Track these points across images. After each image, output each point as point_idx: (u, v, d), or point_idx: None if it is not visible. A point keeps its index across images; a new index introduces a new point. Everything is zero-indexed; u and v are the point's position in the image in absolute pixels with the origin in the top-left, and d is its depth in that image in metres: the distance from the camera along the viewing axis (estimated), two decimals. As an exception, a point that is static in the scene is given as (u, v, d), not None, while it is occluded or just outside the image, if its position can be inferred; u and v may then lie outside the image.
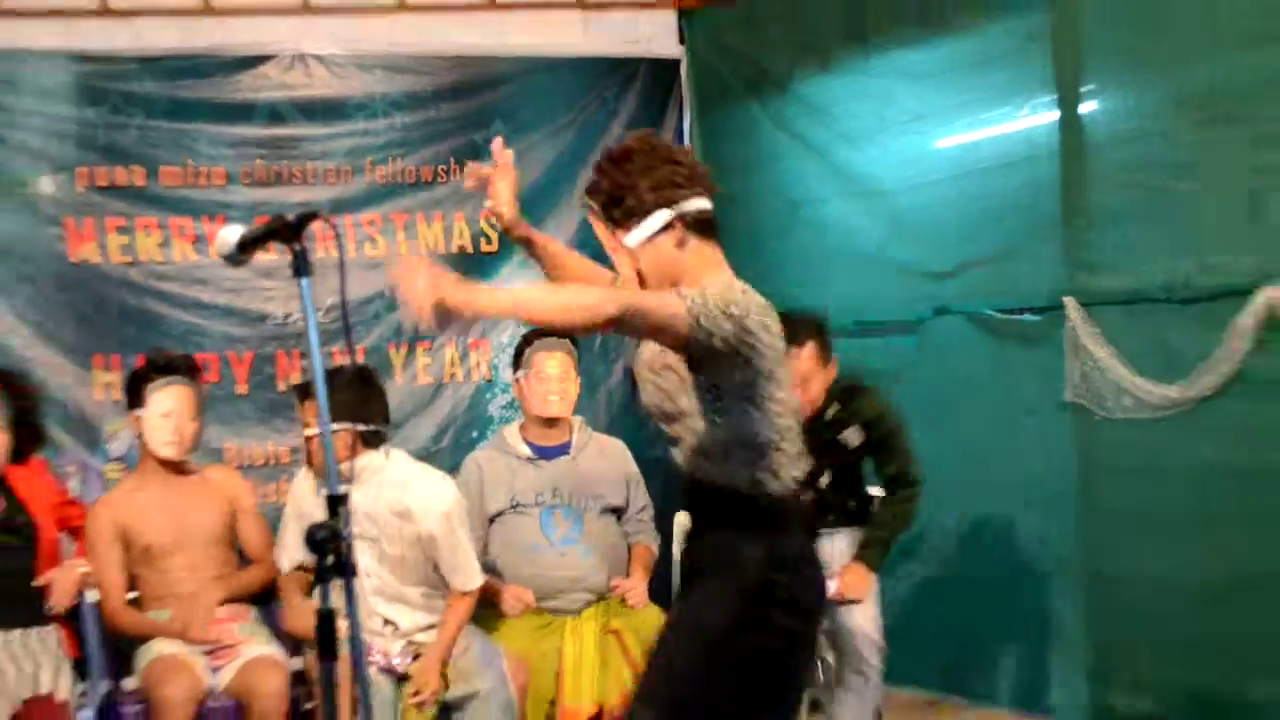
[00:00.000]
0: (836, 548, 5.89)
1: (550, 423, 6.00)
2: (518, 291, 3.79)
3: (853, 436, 5.99)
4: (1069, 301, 6.39)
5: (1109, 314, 6.36)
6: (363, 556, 5.17)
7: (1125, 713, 6.32)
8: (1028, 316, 6.73)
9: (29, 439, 5.43)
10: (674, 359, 3.76)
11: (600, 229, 3.87)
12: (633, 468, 6.21)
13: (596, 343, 7.98)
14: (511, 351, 6.90)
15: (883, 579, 6.03)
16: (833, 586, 5.66)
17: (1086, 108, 6.46)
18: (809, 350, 5.82)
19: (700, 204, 3.85)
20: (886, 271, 7.56)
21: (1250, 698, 5.92)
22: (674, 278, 3.80)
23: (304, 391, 5.33)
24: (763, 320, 3.72)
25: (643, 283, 3.83)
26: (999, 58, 6.91)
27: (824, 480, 6.00)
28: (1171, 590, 6.09)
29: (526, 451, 5.96)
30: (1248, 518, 5.88)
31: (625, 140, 3.94)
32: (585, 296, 3.60)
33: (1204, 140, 5.94)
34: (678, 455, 3.88)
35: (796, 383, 5.59)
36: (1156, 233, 6.10)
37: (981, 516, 7.03)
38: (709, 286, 3.64)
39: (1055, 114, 6.54)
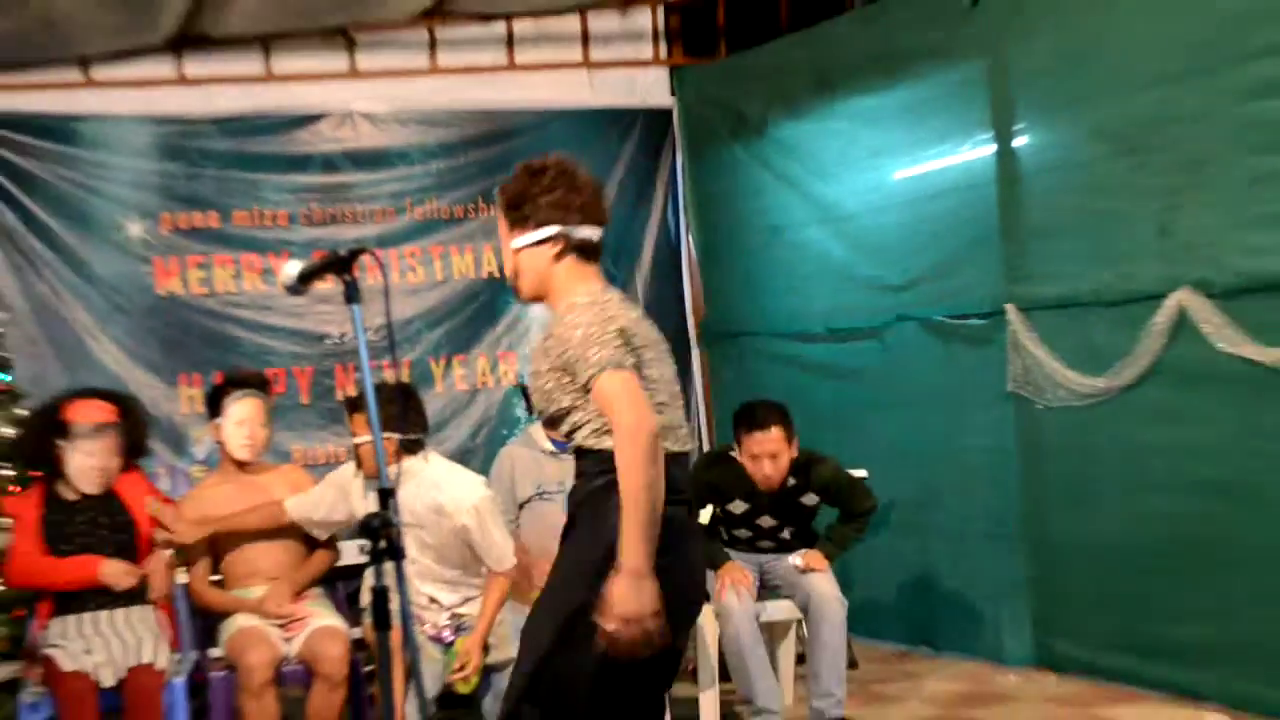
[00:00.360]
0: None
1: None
2: (633, 519, 3.47)
3: (809, 500, 6.08)
4: (1009, 308, 6.45)
5: (1043, 317, 6.41)
6: (408, 546, 5.17)
7: (1067, 657, 6.37)
8: (974, 321, 6.78)
9: (136, 456, 5.48)
10: (551, 366, 3.60)
11: (501, 224, 3.84)
12: None
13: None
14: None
15: (856, 548, 6.07)
16: (798, 560, 5.90)
17: (1019, 142, 6.52)
18: (776, 433, 5.80)
19: (587, 232, 3.79)
20: (853, 285, 7.59)
21: (1172, 640, 5.97)
22: (544, 283, 3.76)
23: (353, 405, 5.34)
24: (633, 323, 3.69)
25: (516, 279, 3.78)
26: (944, 101, 6.97)
27: (787, 534, 6.10)
28: (1103, 550, 6.14)
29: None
30: (1167, 488, 5.93)
31: (547, 158, 3.83)
32: (636, 454, 3.37)
33: (1119, 168, 5.99)
34: (570, 447, 3.73)
35: (768, 457, 5.77)
36: (1082, 247, 6.14)
37: (938, 491, 7.06)
38: (582, 312, 3.57)
39: (993, 148, 6.59)
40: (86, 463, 5.21)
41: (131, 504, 5.31)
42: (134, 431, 5.41)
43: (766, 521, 6.05)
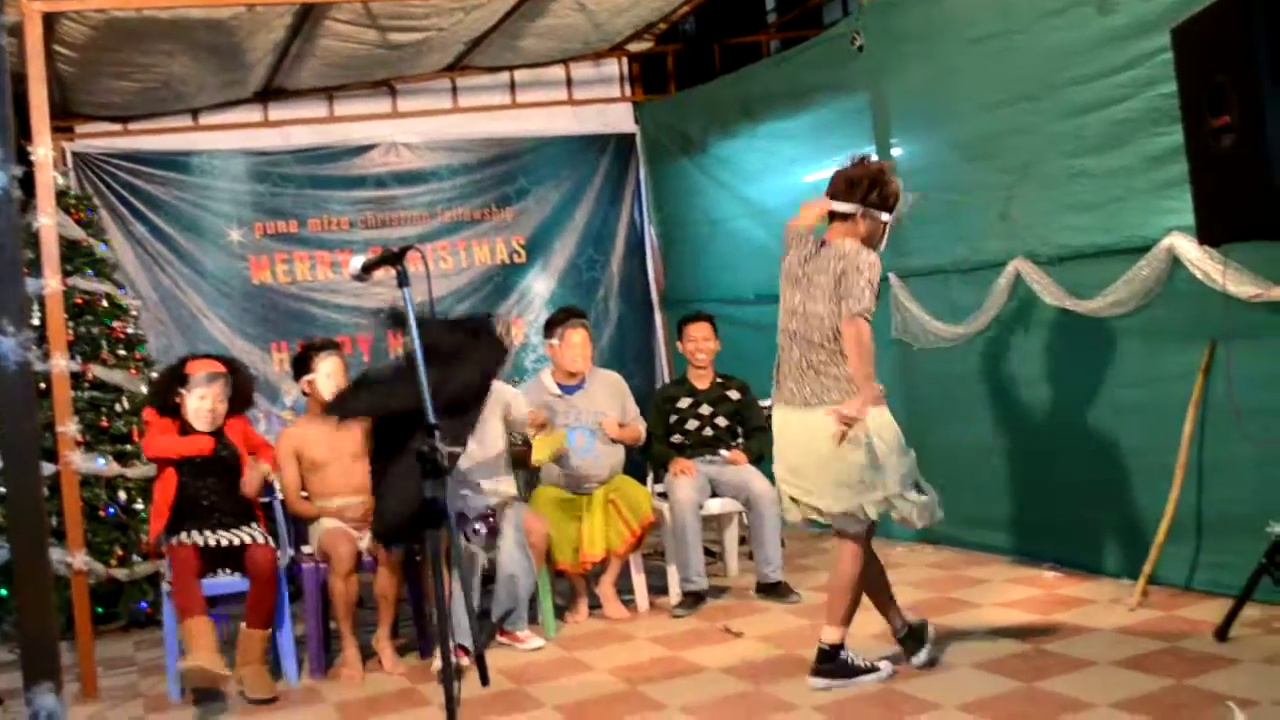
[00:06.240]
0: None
1: (573, 374, 5.96)
2: (859, 372, 4.26)
3: (733, 394, 6.31)
4: (891, 275, 6.46)
5: (916, 282, 6.45)
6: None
7: (941, 533, 6.43)
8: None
9: (241, 406, 5.43)
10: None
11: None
12: (625, 389, 6.10)
13: (596, 316, 8.04)
14: (540, 324, 7.00)
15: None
16: (725, 454, 6.18)
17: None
18: (704, 325, 6.34)
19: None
20: (774, 262, 7.53)
21: (1016, 517, 6.06)
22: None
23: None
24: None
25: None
26: (839, 123, 6.98)
27: (721, 420, 6.20)
28: (965, 452, 6.18)
29: (556, 390, 5.92)
30: (1009, 405, 5.99)
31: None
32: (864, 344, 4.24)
33: (969, 170, 6.02)
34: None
35: (701, 339, 6.30)
36: (943, 229, 6.15)
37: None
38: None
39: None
40: (201, 405, 5.18)
41: (236, 440, 5.29)
42: (239, 384, 5.39)
43: (705, 409, 6.26)
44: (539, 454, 5.62)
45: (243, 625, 5.02)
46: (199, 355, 5.48)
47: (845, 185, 4.43)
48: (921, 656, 4.52)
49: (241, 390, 5.40)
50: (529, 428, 5.60)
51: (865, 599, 4.51)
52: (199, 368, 5.27)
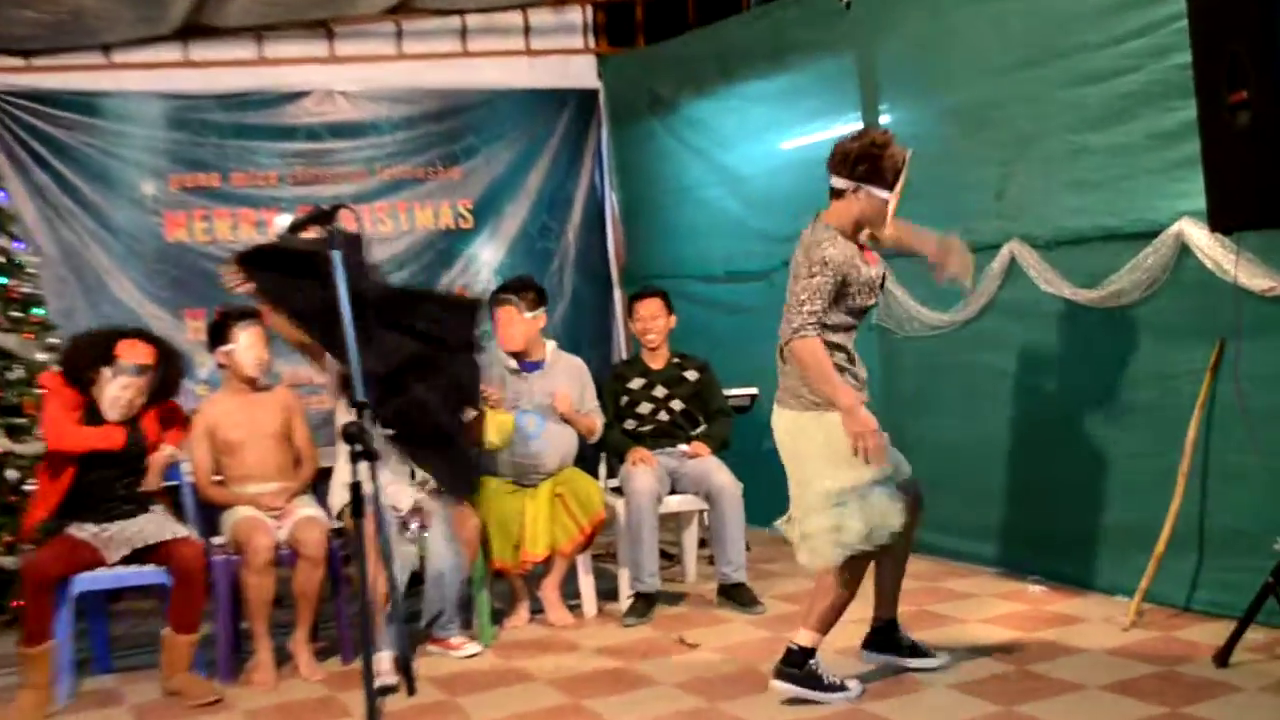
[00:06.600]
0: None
1: (528, 353, 5.93)
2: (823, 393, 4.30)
3: (690, 375, 6.29)
4: (873, 256, 6.47)
5: (900, 264, 6.33)
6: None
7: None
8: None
9: (162, 398, 5.33)
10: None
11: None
12: (588, 378, 6.10)
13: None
14: (486, 296, 7.01)
15: (756, 453, 6.14)
16: (685, 447, 6.17)
17: (883, 119, 6.52)
18: (656, 301, 6.27)
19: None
20: (747, 235, 7.63)
21: (1000, 524, 6.09)
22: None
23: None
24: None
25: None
26: (821, 86, 6.98)
27: (677, 404, 6.20)
28: (946, 450, 6.19)
29: (514, 364, 5.91)
30: (997, 401, 6.02)
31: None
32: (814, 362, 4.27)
33: (964, 142, 6.03)
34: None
35: (650, 318, 6.25)
36: (933, 207, 6.10)
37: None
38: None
39: (860, 124, 6.55)
40: (121, 395, 5.09)
41: (149, 431, 5.22)
42: (168, 376, 5.30)
43: (660, 391, 6.23)
44: (491, 434, 5.60)
45: (166, 630, 4.99)
46: (130, 333, 5.30)
47: (840, 159, 4.43)
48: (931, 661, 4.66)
49: (168, 383, 5.31)
50: (482, 405, 5.58)
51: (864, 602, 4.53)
52: (130, 353, 5.14)
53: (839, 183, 4.43)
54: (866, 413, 4.25)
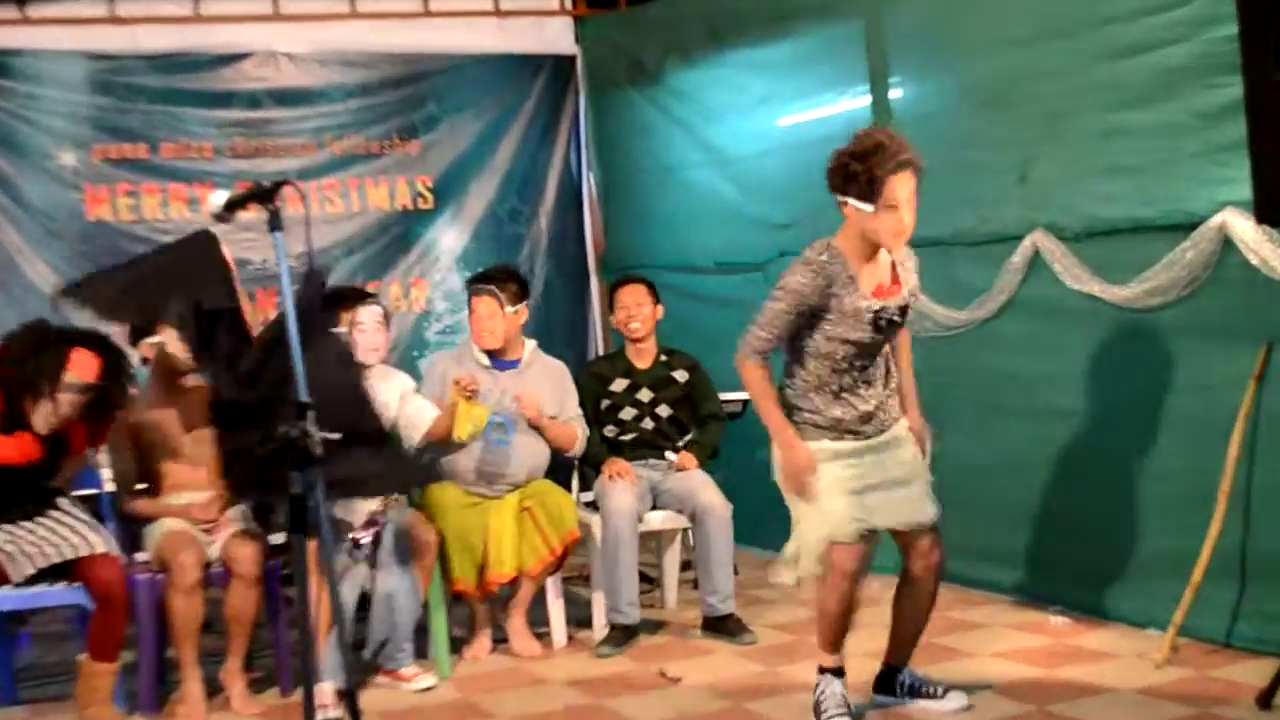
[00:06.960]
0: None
1: (502, 350, 5.88)
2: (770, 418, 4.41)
3: (680, 376, 6.26)
4: (880, 246, 6.44)
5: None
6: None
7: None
8: (848, 258, 6.78)
9: (95, 415, 5.23)
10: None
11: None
12: (570, 385, 6.04)
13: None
14: (446, 287, 7.32)
15: (748, 465, 6.09)
16: (673, 456, 6.14)
17: (893, 94, 6.50)
18: (639, 287, 6.27)
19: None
20: (739, 223, 7.61)
21: (1020, 549, 6.08)
22: None
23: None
24: None
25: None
26: (825, 56, 6.96)
27: (663, 410, 6.14)
28: (958, 466, 6.12)
29: (486, 362, 5.86)
30: (1018, 411, 6.00)
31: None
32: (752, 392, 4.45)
33: (983, 120, 6.00)
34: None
35: (634, 306, 6.23)
36: (947, 192, 6.10)
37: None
38: None
39: (868, 99, 6.56)
40: (55, 410, 4.97)
41: (74, 439, 5.13)
42: (107, 396, 5.17)
43: (645, 395, 6.17)
44: (461, 428, 5.54)
45: (84, 657, 4.92)
46: (89, 340, 5.07)
47: (828, 167, 4.43)
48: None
49: (110, 400, 5.13)
50: (456, 393, 5.54)
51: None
52: (82, 368, 4.96)
53: (837, 195, 4.41)
54: (801, 451, 4.33)
